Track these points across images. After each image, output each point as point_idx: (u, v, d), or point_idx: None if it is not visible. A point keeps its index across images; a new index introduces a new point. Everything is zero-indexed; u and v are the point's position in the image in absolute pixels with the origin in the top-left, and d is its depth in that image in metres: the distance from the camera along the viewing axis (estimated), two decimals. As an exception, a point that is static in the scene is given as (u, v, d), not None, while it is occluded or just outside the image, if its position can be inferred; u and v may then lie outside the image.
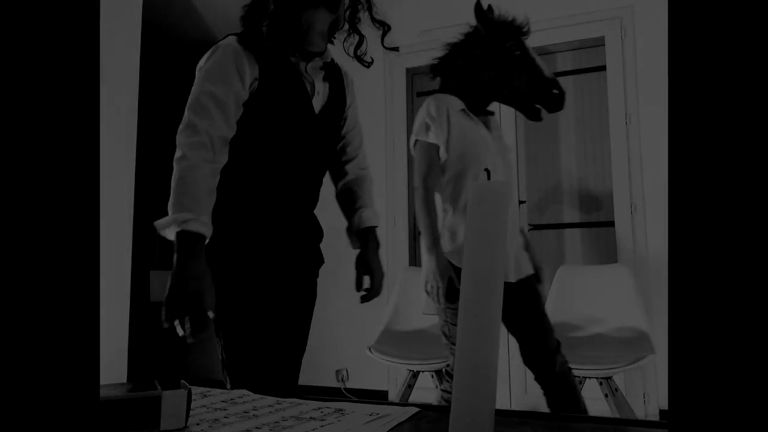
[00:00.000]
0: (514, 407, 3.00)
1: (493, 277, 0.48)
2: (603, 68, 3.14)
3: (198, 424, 0.59)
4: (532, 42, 1.79)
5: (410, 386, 2.50)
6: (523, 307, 1.72)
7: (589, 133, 3.23)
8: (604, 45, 3.14)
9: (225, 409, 0.65)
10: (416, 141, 1.73)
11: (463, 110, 1.70)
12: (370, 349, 2.58)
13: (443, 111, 1.68)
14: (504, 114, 3.15)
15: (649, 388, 2.82)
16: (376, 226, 1.40)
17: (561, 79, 1.79)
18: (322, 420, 0.59)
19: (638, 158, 2.97)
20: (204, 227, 1.05)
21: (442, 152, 1.69)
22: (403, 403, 0.73)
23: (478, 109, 1.76)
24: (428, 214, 1.66)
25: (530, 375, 2.95)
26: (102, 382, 0.51)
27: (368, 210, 1.39)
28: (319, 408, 0.65)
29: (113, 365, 2.29)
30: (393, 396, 3.17)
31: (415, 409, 0.64)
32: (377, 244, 1.39)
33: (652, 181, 2.91)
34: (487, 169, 0.68)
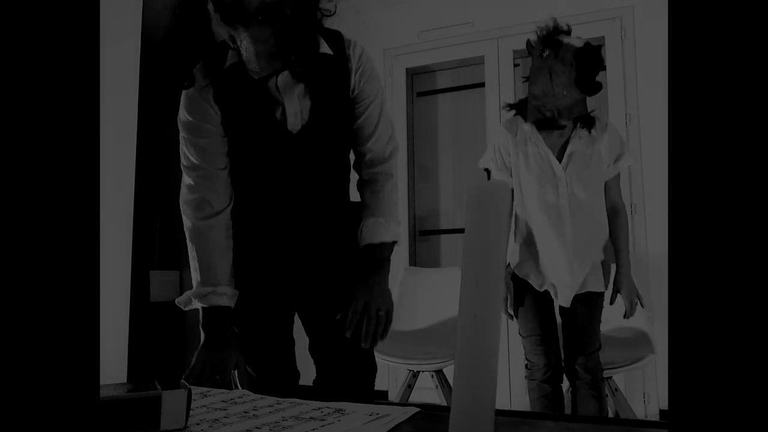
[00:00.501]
0: (514, 407, 2.99)
1: (492, 277, 0.48)
2: (603, 68, 3.13)
3: (198, 424, 0.59)
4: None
5: (410, 386, 2.50)
6: (576, 311, 1.77)
7: (589, 133, 3.22)
8: (604, 45, 3.14)
9: (225, 409, 0.65)
10: (485, 168, 1.85)
11: (528, 138, 1.75)
12: (370, 349, 2.58)
13: (507, 142, 1.78)
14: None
15: (649, 388, 2.82)
16: (382, 243, 1.09)
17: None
18: (322, 420, 0.59)
19: (638, 158, 2.96)
20: (224, 298, 1.06)
21: (509, 181, 1.79)
22: (403, 403, 0.73)
23: (552, 124, 1.75)
24: None
25: (530, 375, 2.97)
26: (102, 382, 0.51)
27: (371, 221, 1.11)
28: (319, 408, 0.65)
29: (113, 365, 2.29)
30: (393, 396, 3.16)
31: (415, 409, 0.64)
32: (375, 269, 1.09)
33: (652, 181, 2.91)
34: (486, 169, 0.68)
